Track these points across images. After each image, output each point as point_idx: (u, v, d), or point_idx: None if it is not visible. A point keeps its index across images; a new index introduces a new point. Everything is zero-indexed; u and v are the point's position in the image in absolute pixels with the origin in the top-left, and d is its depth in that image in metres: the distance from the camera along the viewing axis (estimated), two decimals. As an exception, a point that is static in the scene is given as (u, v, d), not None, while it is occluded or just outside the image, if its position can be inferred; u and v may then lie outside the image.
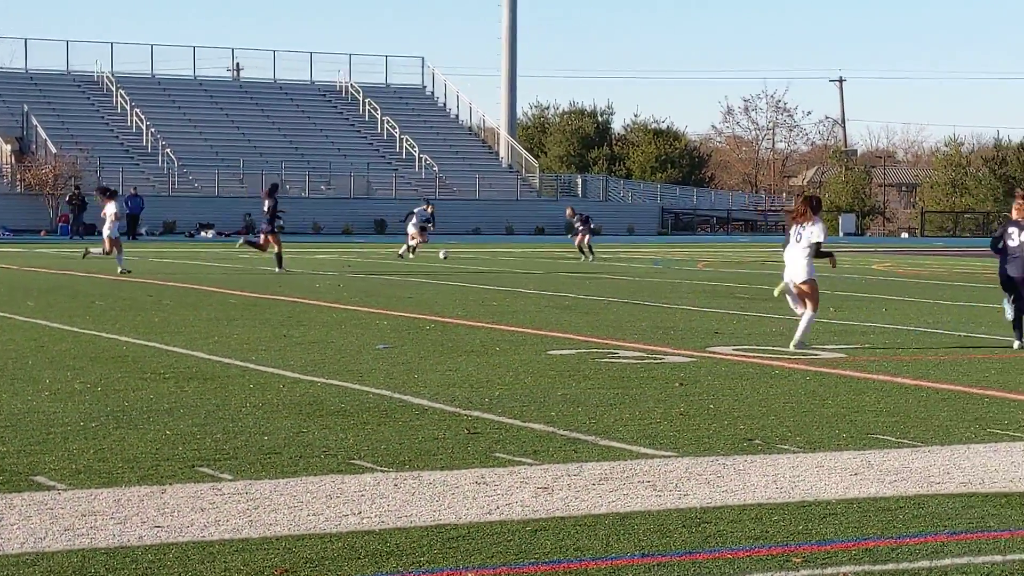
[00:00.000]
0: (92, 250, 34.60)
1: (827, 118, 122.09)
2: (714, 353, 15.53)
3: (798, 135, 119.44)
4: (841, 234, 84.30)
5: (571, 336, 17.39)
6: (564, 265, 38.97)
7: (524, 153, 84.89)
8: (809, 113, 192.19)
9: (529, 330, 18.13)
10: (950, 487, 8.42)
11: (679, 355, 15.32)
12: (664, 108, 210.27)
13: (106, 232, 32.33)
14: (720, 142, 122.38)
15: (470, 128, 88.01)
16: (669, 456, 9.30)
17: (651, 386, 12.72)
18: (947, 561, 6.70)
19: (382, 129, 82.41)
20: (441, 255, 41.23)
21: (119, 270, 31.28)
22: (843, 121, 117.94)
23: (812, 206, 16.34)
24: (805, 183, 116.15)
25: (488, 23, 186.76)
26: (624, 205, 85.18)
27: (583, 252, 42.08)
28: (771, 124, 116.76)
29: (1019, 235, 16.49)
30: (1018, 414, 11.32)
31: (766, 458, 9.28)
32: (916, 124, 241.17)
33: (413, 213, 42.08)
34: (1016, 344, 16.53)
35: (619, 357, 15.04)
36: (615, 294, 25.73)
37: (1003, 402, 11.98)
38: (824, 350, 16.00)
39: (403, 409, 11.19)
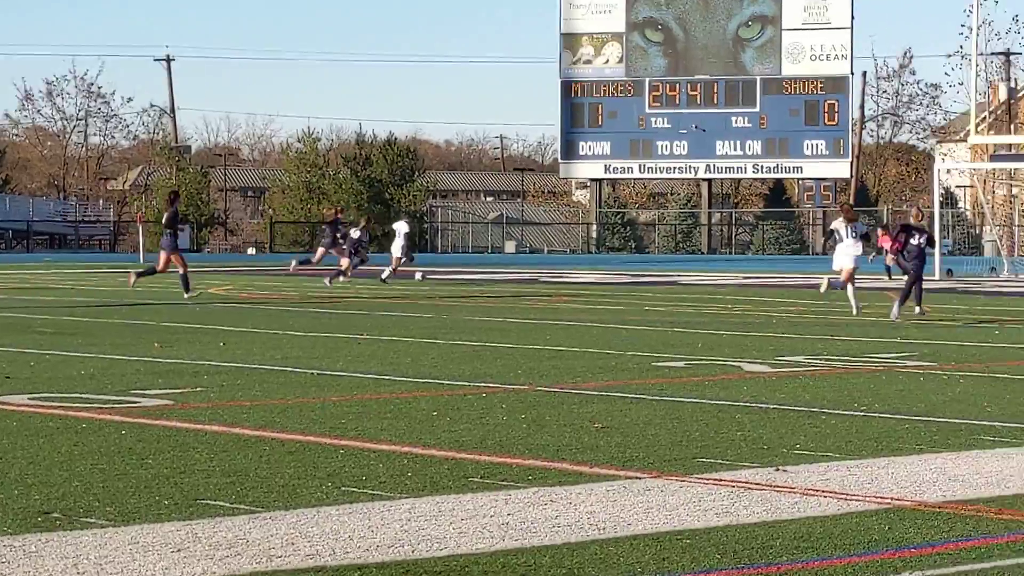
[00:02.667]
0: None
1: (153, 106, 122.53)
2: None
3: (117, 127, 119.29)
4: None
5: None
6: None
7: None
8: (130, 100, 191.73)
9: None
10: (294, 560, 8.57)
11: (-42, 408, 14.96)
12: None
13: None
14: (18, 135, 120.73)
15: None
16: (-62, 540, 9.00)
17: (-82, 450, 12.33)
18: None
19: None
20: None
21: None
22: (172, 110, 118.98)
23: (854, 210, 30.60)
24: (128, 186, 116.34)
25: None
26: None
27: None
28: (82, 113, 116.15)
29: (917, 237, 28.30)
30: (378, 466, 11.70)
31: (66, 536, 9.15)
32: (263, 115, 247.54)
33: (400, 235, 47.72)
34: (917, 310, 28.24)
35: None
36: None
37: (361, 453, 12.35)
38: (145, 396, 16.02)
39: None
